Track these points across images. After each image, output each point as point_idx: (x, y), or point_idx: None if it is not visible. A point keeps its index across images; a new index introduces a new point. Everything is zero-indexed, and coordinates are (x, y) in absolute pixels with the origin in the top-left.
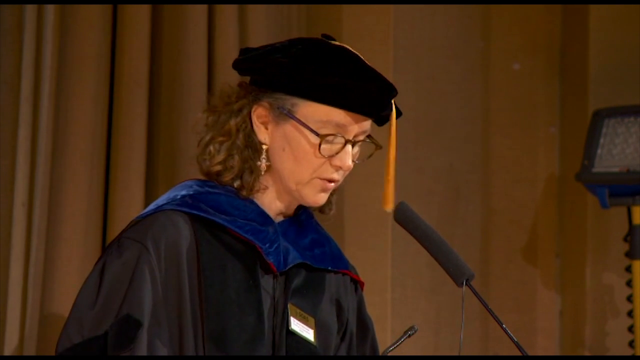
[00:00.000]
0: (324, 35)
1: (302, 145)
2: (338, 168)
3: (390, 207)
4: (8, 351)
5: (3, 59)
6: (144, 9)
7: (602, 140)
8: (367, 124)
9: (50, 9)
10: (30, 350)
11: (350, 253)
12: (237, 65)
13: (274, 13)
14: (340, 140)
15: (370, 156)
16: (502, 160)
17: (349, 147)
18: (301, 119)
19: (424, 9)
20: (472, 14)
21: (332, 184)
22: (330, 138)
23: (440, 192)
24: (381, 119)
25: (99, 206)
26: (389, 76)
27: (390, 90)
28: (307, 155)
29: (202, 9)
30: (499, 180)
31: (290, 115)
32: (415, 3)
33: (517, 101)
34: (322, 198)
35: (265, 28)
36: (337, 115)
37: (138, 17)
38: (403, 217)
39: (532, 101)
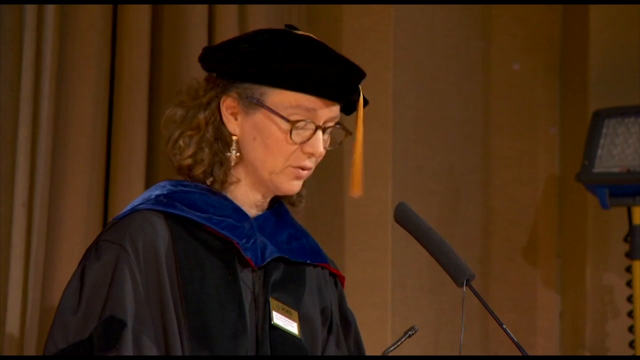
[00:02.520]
0: (287, 26)
1: (273, 133)
2: (310, 155)
3: (359, 192)
4: (8, 351)
5: (3, 59)
6: (144, 10)
7: (602, 141)
8: (336, 110)
9: (50, 9)
10: (30, 350)
11: (351, 253)
12: (203, 58)
13: (274, 13)
14: (311, 126)
15: (340, 143)
16: (502, 161)
17: (319, 133)
18: (271, 107)
19: (424, 9)
20: (473, 14)
21: (305, 171)
22: (300, 124)
23: (440, 192)
24: (349, 107)
25: (99, 206)
26: (389, 76)
27: (357, 73)
28: (279, 143)
29: (202, 9)
30: (499, 181)
31: (259, 103)
32: (415, 3)
33: (517, 101)
34: (296, 186)
35: (266, 24)
36: (306, 100)
37: (138, 18)
38: (403, 217)
39: (532, 101)
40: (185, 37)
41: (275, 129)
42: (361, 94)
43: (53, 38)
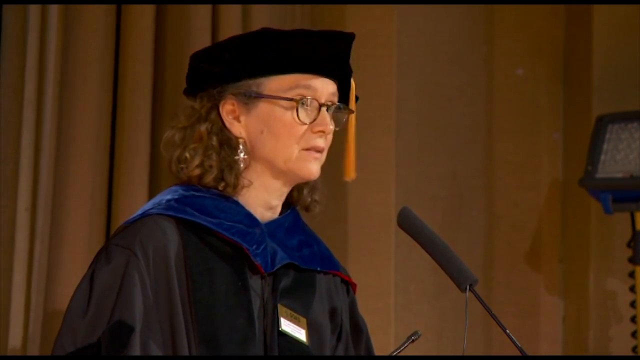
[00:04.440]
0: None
1: (280, 119)
2: (321, 133)
3: (352, 176)
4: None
5: (6, 63)
6: (148, 13)
7: (605, 146)
8: (334, 87)
9: (54, 13)
10: (33, 354)
11: (354, 258)
12: (192, 69)
13: (277, 14)
14: (315, 104)
15: (345, 121)
16: (505, 166)
17: (324, 110)
18: (271, 94)
19: (428, 14)
20: (476, 19)
21: (319, 153)
22: (305, 101)
23: (443, 197)
24: (342, 96)
25: (102, 211)
26: (393, 81)
27: (345, 38)
28: (287, 127)
29: (206, 12)
30: (503, 186)
31: (259, 95)
32: (418, 6)
33: (520, 107)
34: (315, 169)
35: None
36: (303, 79)
37: (141, 21)
38: (406, 222)
39: (535, 107)
40: (188, 40)
41: (281, 113)
42: (352, 79)
43: (56, 42)
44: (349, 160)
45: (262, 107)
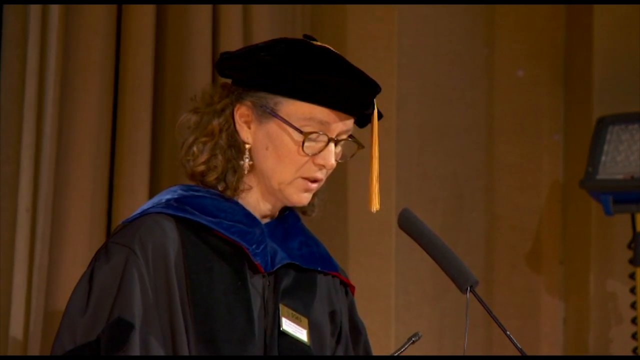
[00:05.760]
0: (305, 36)
1: (285, 144)
2: (321, 167)
3: (376, 207)
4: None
5: (7, 65)
6: (148, 14)
7: (606, 147)
8: (350, 123)
9: (55, 15)
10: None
11: (354, 259)
12: (220, 64)
13: (278, 14)
14: (324, 138)
15: (352, 156)
16: (506, 167)
17: (331, 145)
18: (284, 117)
19: (429, 16)
20: (477, 20)
21: (315, 184)
22: (313, 136)
23: (444, 198)
24: (363, 120)
25: (102, 212)
26: (393, 82)
27: (373, 87)
28: (291, 154)
29: (206, 14)
30: (503, 187)
31: (273, 113)
32: (419, 7)
33: (521, 108)
34: (305, 198)
35: (270, 30)
36: (320, 113)
37: (142, 21)
38: (407, 223)
39: (536, 108)
40: (189, 42)
41: (288, 139)
42: (376, 107)
43: (57, 44)
44: (372, 193)
45: (273, 125)
